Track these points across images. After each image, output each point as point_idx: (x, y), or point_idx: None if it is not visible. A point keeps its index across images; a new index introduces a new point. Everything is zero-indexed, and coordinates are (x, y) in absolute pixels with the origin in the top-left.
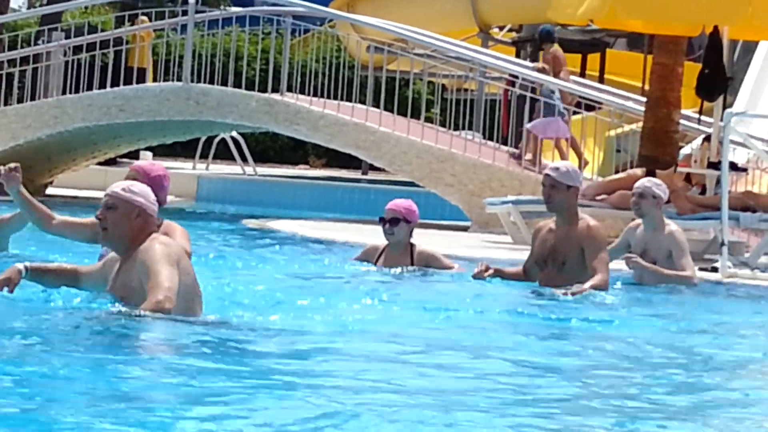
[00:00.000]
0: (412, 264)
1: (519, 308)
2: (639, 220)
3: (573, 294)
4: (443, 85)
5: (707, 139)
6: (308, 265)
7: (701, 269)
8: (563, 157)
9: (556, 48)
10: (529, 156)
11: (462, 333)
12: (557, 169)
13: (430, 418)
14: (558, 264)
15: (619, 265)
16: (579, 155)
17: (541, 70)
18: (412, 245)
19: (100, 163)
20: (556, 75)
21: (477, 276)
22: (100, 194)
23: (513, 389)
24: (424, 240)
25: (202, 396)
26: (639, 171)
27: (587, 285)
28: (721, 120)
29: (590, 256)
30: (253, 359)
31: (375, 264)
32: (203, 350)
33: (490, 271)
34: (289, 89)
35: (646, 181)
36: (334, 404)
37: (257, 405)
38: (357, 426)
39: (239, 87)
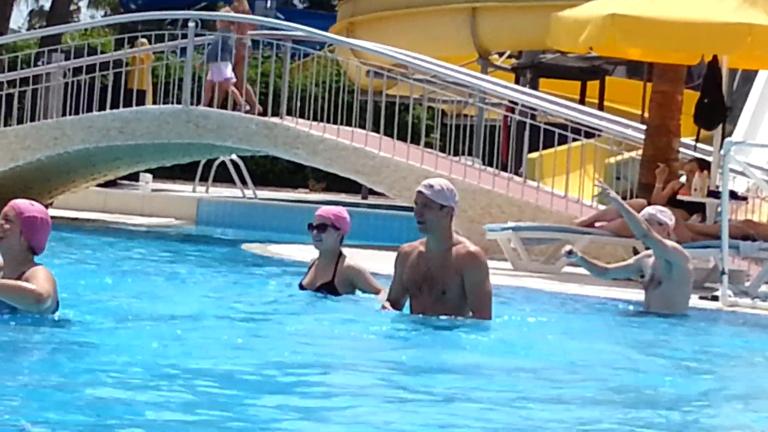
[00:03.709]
0: (334, 276)
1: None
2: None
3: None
4: (443, 111)
5: (702, 166)
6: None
7: (701, 298)
8: (238, 100)
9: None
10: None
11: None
12: (431, 186)
13: None
14: (437, 293)
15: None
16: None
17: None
18: (340, 256)
19: (99, 185)
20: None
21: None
22: (99, 216)
23: None
24: None
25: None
26: (641, 201)
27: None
28: (721, 149)
29: (471, 288)
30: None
31: (308, 272)
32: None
33: None
34: (289, 113)
35: (651, 209)
36: None
37: None
38: None
39: (239, 110)
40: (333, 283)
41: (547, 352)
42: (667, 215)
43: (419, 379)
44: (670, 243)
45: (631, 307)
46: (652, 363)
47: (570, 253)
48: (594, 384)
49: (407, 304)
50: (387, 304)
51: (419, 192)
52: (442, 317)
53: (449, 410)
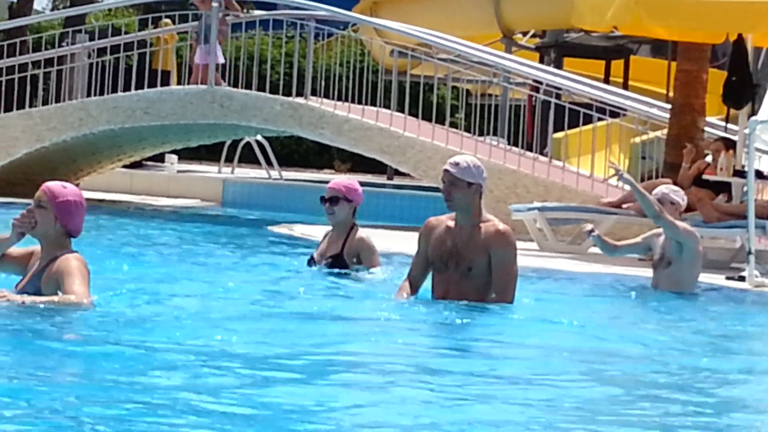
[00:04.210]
0: (344, 247)
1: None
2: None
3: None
4: (467, 90)
5: (728, 145)
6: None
7: (728, 278)
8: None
9: None
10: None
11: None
12: (457, 164)
13: None
14: (463, 269)
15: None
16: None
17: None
18: (352, 228)
19: (125, 166)
20: None
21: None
22: (125, 197)
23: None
24: None
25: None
26: (666, 180)
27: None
28: (746, 128)
29: (497, 267)
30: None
31: (321, 244)
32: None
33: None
34: (313, 93)
35: (663, 188)
36: None
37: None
38: None
39: (263, 90)
40: (342, 254)
41: (569, 335)
42: (679, 195)
43: (441, 362)
44: (681, 224)
45: (633, 294)
46: (679, 342)
47: (591, 232)
48: (618, 365)
49: (428, 281)
50: (405, 291)
51: (446, 170)
52: (462, 303)
53: (470, 393)
